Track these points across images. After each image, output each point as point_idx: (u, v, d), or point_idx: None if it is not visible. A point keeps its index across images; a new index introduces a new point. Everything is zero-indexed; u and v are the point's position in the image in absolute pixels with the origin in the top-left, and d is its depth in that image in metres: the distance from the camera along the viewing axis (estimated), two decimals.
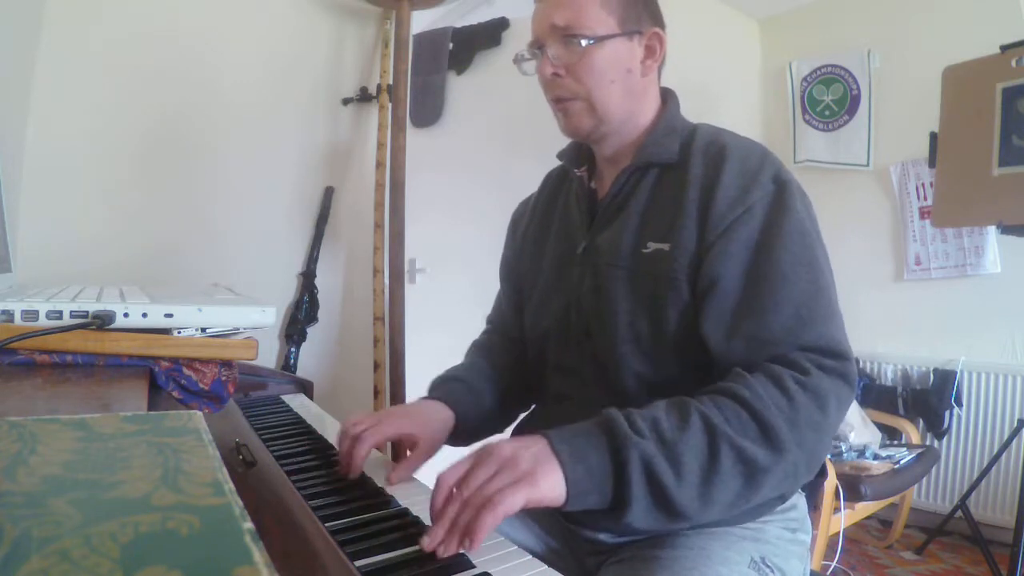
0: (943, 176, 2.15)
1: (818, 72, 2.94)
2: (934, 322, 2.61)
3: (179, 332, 0.72)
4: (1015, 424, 2.17)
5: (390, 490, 0.75)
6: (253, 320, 0.77)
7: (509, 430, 1.00)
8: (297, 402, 1.20)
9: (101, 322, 0.67)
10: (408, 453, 0.84)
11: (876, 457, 2.12)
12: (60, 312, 0.67)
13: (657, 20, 0.86)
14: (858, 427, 2.32)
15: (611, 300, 0.81)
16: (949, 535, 2.38)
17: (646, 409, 0.67)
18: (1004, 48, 2.02)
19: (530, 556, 0.60)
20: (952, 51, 2.19)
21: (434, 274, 2.23)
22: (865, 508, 2.04)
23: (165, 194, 1.69)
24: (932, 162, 2.29)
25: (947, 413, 2.49)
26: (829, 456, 1.92)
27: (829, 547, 1.97)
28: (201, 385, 0.70)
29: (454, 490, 0.60)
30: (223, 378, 0.73)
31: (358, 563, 0.56)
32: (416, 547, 0.59)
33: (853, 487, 1.90)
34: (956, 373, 2.48)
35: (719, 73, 2.95)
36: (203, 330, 0.74)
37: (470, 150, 2.29)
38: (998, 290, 2.46)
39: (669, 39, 0.86)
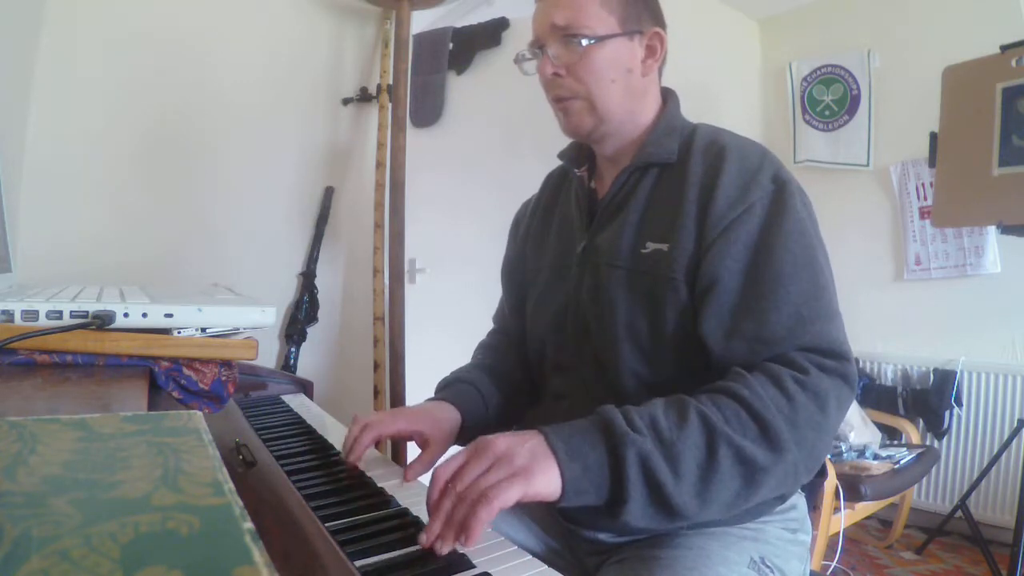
0: (943, 176, 2.15)
1: (818, 72, 2.94)
2: (934, 322, 2.61)
3: (179, 332, 0.72)
4: (1015, 424, 2.17)
5: (390, 490, 0.75)
6: (253, 320, 0.77)
7: None
8: (297, 402, 1.20)
9: (101, 322, 0.67)
10: (408, 453, 0.84)
11: (876, 457, 2.12)
12: (60, 312, 0.67)
13: (658, 20, 0.86)
14: (858, 427, 2.32)
15: (610, 300, 0.81)
16: (949, 535, 2.38)
17: (644, 407, 0.67)
18: (1004, 48, 2.01)
19: (530, 556, 0.60)
20: (952, 51, 2.19)
21: (434, 274, 2.23)
22: (865, 508, 2.04)
23: (165, 194, 1.69)
24: (932, 162, 2.29)
25: (947, 413, 2.49)
26: (829, 456, 1.92)
27: (829, 547, 1.97)
28: (201, 385, 0.70)
29: (449, 485, 0.60)
30: (223, 378, 0.73)
31: (358, 563, 0.56)
32: (416, 547, 0.59)
33: (853, 487, 1.90)
34: (956, 373, 2.48)
35: (719, 73, 2.95)
36: (203, 330, 0.74)
37: (470, 150, 2.29)
38: (998, 290, 2.46)
39: (669, 39, 0.86)
